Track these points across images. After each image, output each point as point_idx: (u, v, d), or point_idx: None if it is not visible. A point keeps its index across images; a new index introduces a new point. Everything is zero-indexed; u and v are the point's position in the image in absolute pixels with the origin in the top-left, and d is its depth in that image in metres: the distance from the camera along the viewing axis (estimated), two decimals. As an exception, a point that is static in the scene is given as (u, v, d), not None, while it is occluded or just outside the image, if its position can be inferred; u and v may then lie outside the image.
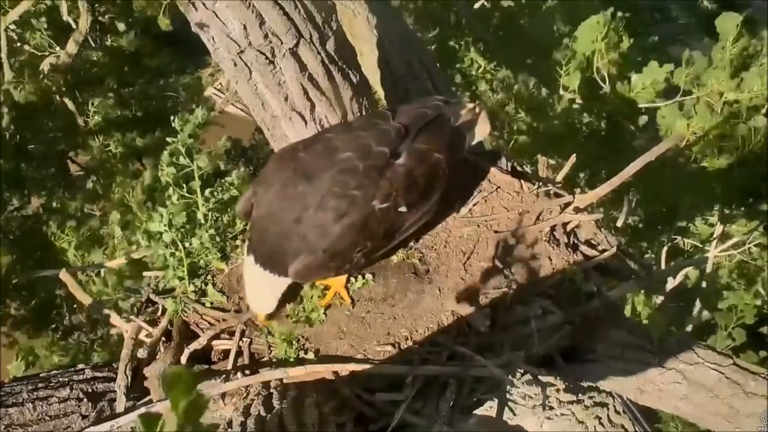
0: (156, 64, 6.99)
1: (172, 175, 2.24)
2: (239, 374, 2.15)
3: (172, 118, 2.22)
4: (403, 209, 2.07)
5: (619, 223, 5.11)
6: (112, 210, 5.23)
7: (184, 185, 2.27)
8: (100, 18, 6.01)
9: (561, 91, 4.67)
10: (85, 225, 5.39)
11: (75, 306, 5.75)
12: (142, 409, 2.07)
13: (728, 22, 3.94)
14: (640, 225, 5.36)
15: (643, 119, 4.57)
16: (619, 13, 4.42)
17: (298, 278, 2.08)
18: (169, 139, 2.22)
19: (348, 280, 2.31)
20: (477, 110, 2.25)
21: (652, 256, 5.34)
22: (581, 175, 5.06)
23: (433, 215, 2.30)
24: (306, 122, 2.50)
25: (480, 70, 6.06)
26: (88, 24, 5.54)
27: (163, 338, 2.33)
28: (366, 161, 2.03)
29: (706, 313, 4.95)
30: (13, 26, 5.73)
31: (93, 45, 6.47)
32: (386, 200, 2.03)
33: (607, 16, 4.31)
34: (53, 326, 5.78)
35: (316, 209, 2.00)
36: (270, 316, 2.18)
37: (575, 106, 4.75)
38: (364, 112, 2.57)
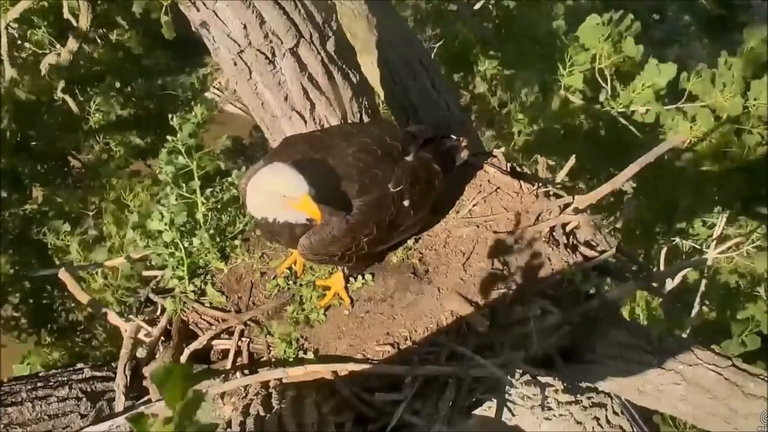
0: (155, 63, 6.97)
1: (171, 174, 2.23)
2: (238, 374, 2.15)
3: (170, 117, 2.21)
4: (406, 203, 2.14)
5: (618, 224, 5.11)
6: (108, 209, 5.21)
7: (184, 185, 2.26)
8: (100, 16, 5.99)
9: (562, 91, 4.66)
10: (82, 225, 5.37)
11: (73, 305, 5.73)
12: (141, 409, 2.06)
13: (756, 35, 3.98)
14: (640, 226, 5.35)
15: (642, 119, 4.57)
16: (623, 15, 4.42)
17: (310, 252, 2.08)
18: (169, 138, 2.21)
19: (347, 281, 2.32)
20: (461, 142, 2.40)
21: (652, 257, 5.34)
22: (581, 175, 5.06)
23: (424, 223, 2.36)
24: (306, 122, 2.50)
25: (482, 70, 6.06)
26: (89, 22, 5.53)
27: (163, 338, 2.32)
28: (382, 148, 2.13)
29: (705, 310, 4.96)
30: (13, 24, 5.72)
31: (94, 43, 6.45)
32: (398, 185, 2.11)
33: (608, 18, 4.31)
34: (50, 326, 5.76)
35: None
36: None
37: (576, 106, 4.75)
38: (364, 112, 2.58)
